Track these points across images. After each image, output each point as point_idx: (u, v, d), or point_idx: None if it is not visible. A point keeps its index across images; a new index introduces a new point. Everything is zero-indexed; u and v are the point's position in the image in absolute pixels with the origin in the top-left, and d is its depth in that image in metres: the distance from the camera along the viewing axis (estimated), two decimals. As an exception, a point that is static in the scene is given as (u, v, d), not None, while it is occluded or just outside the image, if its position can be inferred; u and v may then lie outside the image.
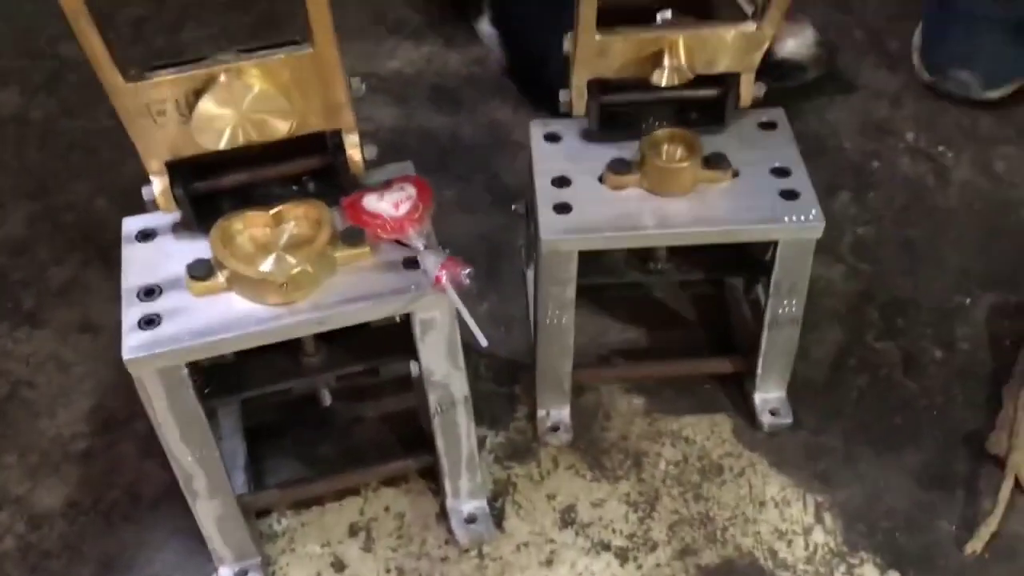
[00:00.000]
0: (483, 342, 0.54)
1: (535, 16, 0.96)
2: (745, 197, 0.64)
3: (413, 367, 0.75)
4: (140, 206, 0.61)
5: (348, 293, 0.57)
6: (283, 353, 0.65)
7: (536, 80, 0.96)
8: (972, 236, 0.88)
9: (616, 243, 0.64)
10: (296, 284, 0.56)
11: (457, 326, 0.59)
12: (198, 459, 0.61)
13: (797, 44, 0.96)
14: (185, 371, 0.56)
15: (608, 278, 0.73)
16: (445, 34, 1.11)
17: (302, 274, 0.55)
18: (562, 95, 0.66)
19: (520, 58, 1.00)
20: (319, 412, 0.76)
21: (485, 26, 1.04)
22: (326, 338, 0.64)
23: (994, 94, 0.99)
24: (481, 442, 0.74)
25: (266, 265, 0.56)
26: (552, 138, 0.69)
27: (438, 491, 0.70)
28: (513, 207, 0.73)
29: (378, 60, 1.08)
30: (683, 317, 0.83)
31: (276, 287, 0.55)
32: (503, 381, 0.78)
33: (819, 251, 0.86)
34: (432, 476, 0.71)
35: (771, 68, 0.96)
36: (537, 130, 0.69)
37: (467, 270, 0.56)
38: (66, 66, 1.09)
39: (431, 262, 0.56)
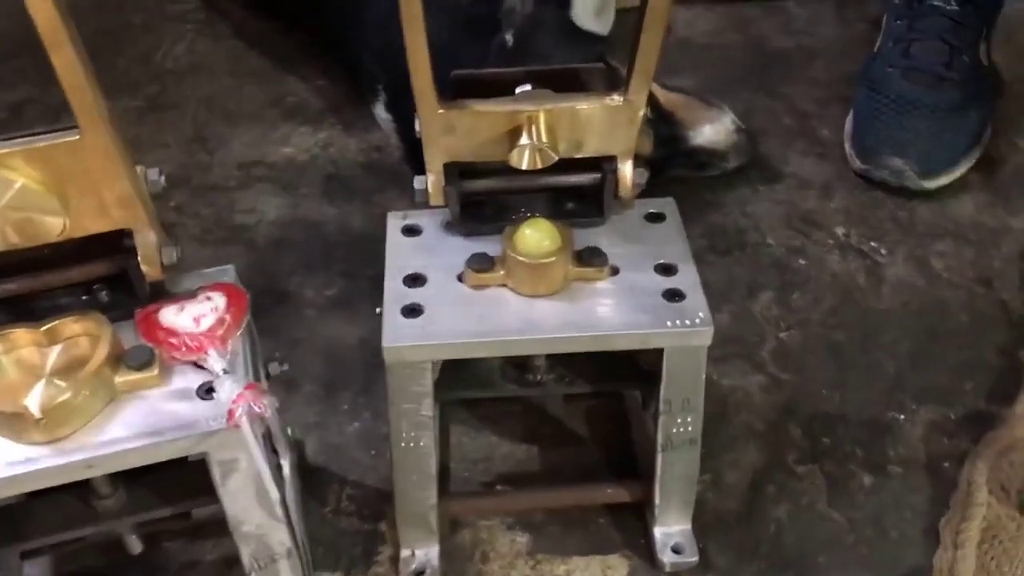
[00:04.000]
0: (274, 495, 0.44)
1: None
2: (623, 297, 0.55)
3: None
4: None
5: (125, 429, 0.46)
6: (75, 495, 0.54)
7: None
8: (907, 341, 0.79)
9: (472, 351, 0.55)
10: (57, 419, 0.45)
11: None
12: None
13: (714, 130, 0.88)
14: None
15: (479, 391, 0.63)
16: (345, 119, 1.03)
17: (62, 406, 0.45)
18: (417, 182, 0.58)
19: (413, 143, 0.92)
20: (150, 557, 0.65)
21: (381, 111, 0.96)
22: (127, 476, 0.54)
23: (931, 184, 0.91)
24: (335, 590, 0.63)
25: (30, 396, 0.46)
26: (411, 231, 0.60)
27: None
28: (377, 310, 0.64)
29: (269, 146, 1.00)
30: (580, 436, 0.73)
31: (33, 422, 0.45)
32: (367, 516, 0.67)
33: (736, 359, 0.77)
34: (273, 633, 0.60)
35: (688, 156, 0.89)
36: (395, 222, 0.61)
37: (268, 400, 0.46)
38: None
39: (226, 390, 0.46)
